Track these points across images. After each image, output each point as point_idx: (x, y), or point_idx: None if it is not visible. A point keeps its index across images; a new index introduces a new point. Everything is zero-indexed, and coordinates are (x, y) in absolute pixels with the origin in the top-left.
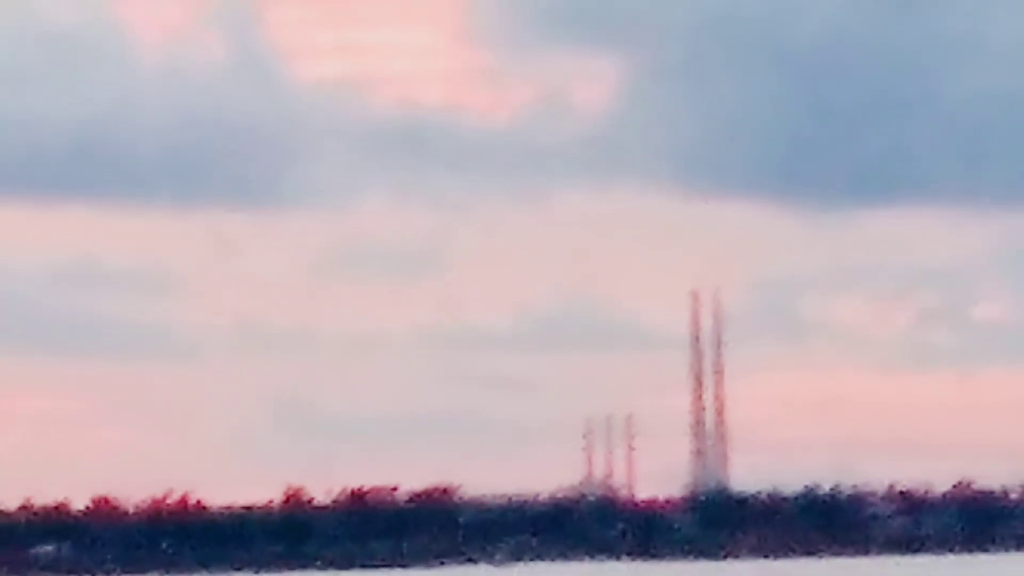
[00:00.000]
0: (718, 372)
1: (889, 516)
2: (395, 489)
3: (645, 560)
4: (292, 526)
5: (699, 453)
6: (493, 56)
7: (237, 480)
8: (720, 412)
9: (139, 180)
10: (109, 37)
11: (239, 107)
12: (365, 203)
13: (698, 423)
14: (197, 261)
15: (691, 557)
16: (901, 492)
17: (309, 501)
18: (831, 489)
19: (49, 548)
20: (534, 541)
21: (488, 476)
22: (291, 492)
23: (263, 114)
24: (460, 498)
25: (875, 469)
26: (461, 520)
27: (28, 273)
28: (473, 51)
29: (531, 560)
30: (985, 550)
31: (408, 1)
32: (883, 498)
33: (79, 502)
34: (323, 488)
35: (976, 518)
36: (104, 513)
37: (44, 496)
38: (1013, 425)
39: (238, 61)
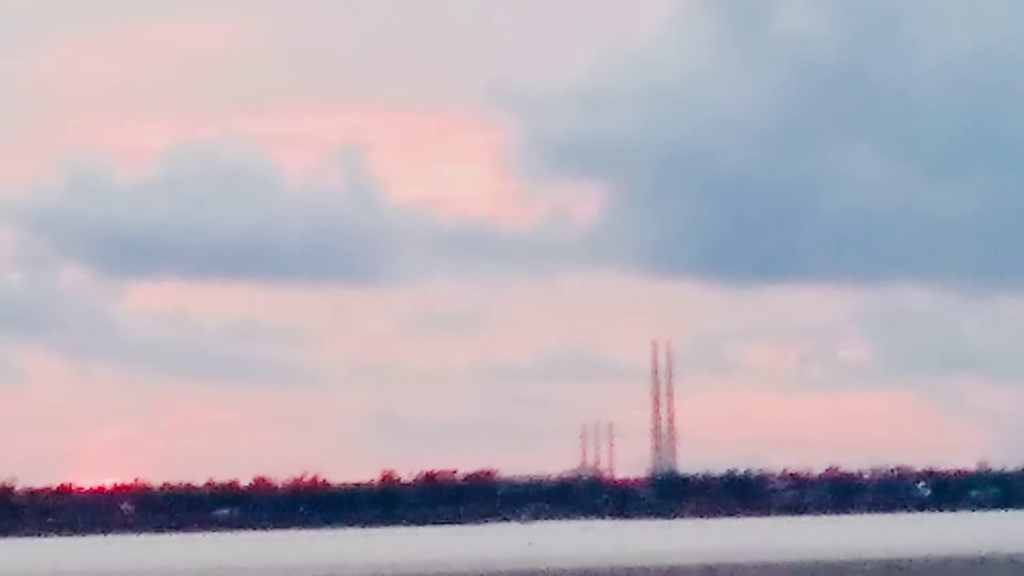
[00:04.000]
0: (669, 395)
1: (783, 490)
2: (455, 472)
3: (621, 519)
4: (386, 497)
5: (657, 448)
6: (519, 183)
7: (349, 466)
8: (671, 421)
9: (285, 267)
10: (266, 172)
11: (351, 217)
12: (434, 282)
13: (656, 428)
14: (323, 320)
15: (652, 518)
16: (791, 474)
17: (398, 480)
18: (744, 472)
19: (224, 511)
20: (547, 507)
21: (516, 463)
22: (386, 474)
23: (367, 222)
24: (498, 478)
25: (774, 458)
26: (498, 493)
27: (212, 329)
28: (506, 180)
29: (545, 519)
30: (847, 513)
31: (463, 148)
32: (779, 478)
33: (244, 480)
34: (407, 471)
35: (841, 491)
36: (261, 488)
37: (221, 476)
38: (865, 430)
39: (351, 187)
